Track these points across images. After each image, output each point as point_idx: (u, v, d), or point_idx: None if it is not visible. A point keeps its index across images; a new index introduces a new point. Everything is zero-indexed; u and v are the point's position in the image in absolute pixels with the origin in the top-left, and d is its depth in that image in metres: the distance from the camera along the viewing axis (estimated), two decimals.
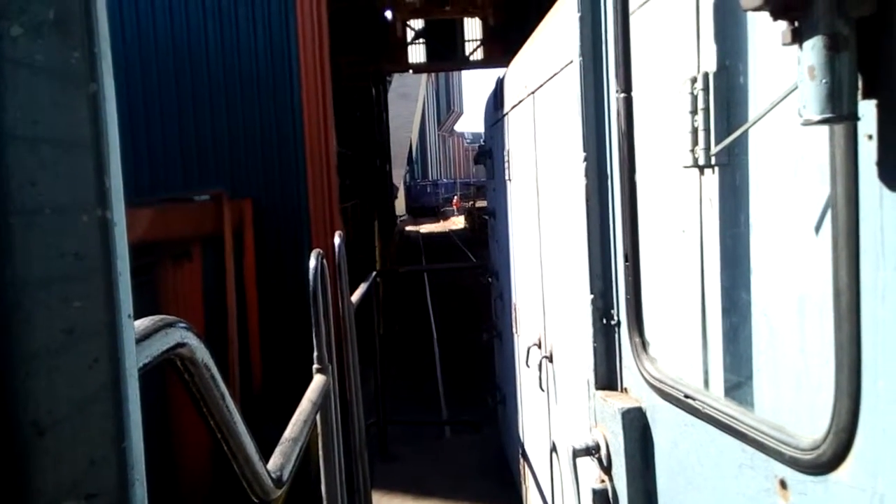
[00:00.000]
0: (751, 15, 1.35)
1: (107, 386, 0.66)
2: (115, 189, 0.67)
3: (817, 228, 1.19)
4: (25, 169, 0.59)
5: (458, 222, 46.28)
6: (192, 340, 1.13)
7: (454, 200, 57.52)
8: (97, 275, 0.65)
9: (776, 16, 1.01)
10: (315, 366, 2.88)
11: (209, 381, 1.24)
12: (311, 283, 2.91)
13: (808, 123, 0.99)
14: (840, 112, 0.96)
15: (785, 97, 1.19)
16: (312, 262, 2.93)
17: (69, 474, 0.62)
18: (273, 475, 1.70)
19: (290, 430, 2.16)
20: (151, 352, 0.97)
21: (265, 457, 1.69)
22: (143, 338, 0.94)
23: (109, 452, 0.66)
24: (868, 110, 1.00)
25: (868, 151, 1.01)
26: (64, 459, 0.62)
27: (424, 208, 57.26)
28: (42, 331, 0.60)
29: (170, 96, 8.34)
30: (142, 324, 0.96)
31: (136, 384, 0.71)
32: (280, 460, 1.90)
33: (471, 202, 44.23)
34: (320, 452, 2.91)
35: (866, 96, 0.99)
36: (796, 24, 1.00)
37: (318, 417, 2.74)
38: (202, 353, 1.19)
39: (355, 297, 4.41)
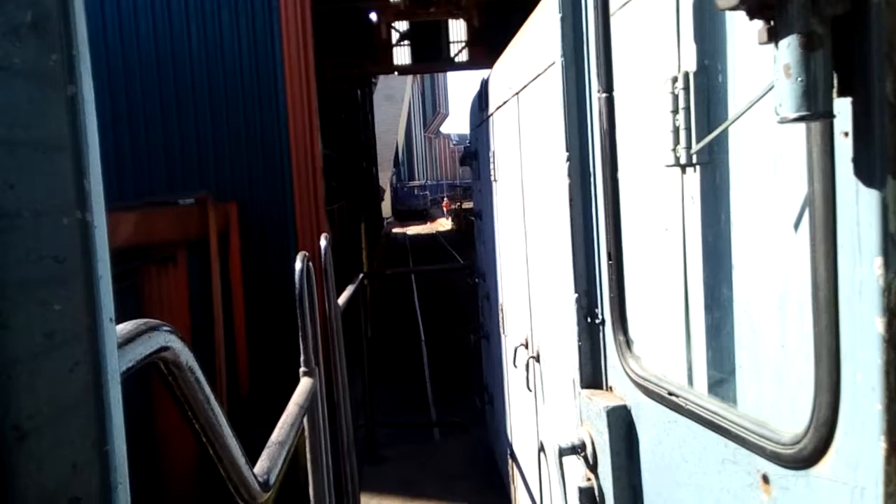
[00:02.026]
0: (729, 14, 1.37)
1: (88, 390, 0.66)
2: (94, 192, 0.67)
3: (796, 225, 1.20)
4: (4, 171, 0.59)
5: (444, 224, 46.27)
6: (176, 344, 1.13)
7: (444, 202, 56.81)
8: (77, 278, 0.65)
9: (752, 15, 1.03)
10: (302, 369, 2.87)
11: (194, 385, 1.24)
12: (297, 285, 2.90)
13: (784, 121, 1.00)
14: (815, 110, 0.97)
15: (763, 95, 1.20)
16: (298, 265, 2.92)
17: (51, 478, 0.62)
18: (260, 479, 1.70)
19: (277, 434, 2.15)
20: (134, 356, 0.96)
21: (252, 460, 1.69)
22: (125, 342, 0.94)
23: (92, 456, 0.66)
24: (844, 108, 1.01)
25: (844, 148, 1.03)
26: (46, 463, 0.61)
27: (411, 211, 55.72)
28: (22, 335, 0.60)
29: (153, 99, 8.29)
30: (124, 328, 0.96)
31: (119, 388, 0.70)
32: (267, 464, 1.90)
33: (457, 203, 44.15)
34: (308, 455, 2.90)
35: (841, 94, 1.01)
36: (772, 22, 1.01)
37: (305, 420, 2.73)
38: (186, 357, 1.18)
39: (342, 300, 4.40)
